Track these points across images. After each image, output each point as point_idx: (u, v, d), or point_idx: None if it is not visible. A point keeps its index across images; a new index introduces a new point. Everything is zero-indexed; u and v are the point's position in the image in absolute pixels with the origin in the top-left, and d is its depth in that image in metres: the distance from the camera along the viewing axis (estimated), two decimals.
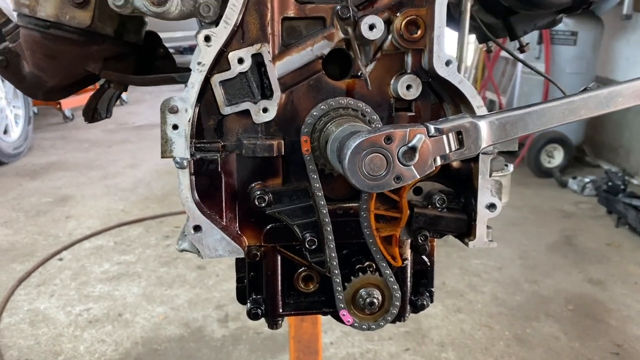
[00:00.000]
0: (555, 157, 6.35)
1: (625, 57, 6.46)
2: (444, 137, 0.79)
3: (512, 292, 3.83)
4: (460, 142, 0.81)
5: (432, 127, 0.80)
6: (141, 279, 3.95)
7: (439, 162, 0.81)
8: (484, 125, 0.82)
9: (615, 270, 4.18)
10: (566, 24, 6.02)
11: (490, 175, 1.04)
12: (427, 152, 0.79)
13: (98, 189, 5.79)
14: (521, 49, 1.42)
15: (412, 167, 0.79)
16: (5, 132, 6.66)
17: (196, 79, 0.95)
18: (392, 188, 0.80)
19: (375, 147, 0.77)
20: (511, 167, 1.12)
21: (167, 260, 4.22)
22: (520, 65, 6.43)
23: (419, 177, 0.80)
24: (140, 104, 10.19)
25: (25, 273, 4.01)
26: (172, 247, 4.43)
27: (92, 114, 1.48)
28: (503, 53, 6.71)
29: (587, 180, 5.81)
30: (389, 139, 0.76)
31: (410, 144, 0.77)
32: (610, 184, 5.34)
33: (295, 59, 1.02)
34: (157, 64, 1.45)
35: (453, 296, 3.76)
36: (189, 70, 1.28)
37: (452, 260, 4.20)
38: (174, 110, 0.94)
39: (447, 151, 0.80)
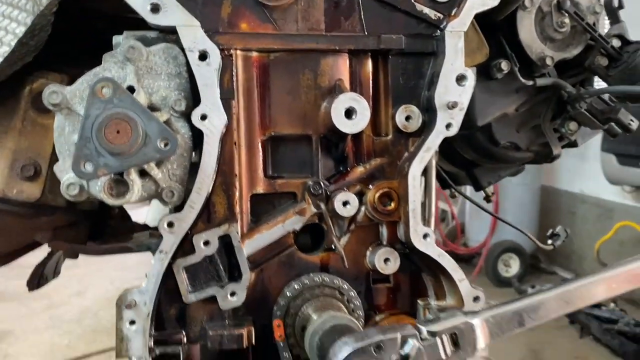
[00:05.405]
0: (512, 266, 6.40)
1: (567, 168, 6.80)
2: (438, 340, 0.72)
3: None
4: (455, 344, 0.74)
5: (424, 330, 0.73)
6: None
7: None
8: (478, 324, 0.76)
9: None
10: None
11: None
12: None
13: (41, 322, 5.36)
14: (487, 199, 1.41)
15: None
16: None
17: (157, 269, 0.87)
18: None
19: (365, 358, 0.69)
20: None
21: None
22: None
23: None
24: None
25: None
26: None
27: (38, 280, 1.35)
28: None
29: (545, 288, 5.82)
30: (379, 347, 0.68)
31: (403, 353, 0.69)
32: None
33: (266, 236, 0.96)
34: (112, 223, 1.36)
35: None
36: (147, 227, 1.20)
37: None
38: (132, 305, 0.84)
39: (443, 357, 0.73)
